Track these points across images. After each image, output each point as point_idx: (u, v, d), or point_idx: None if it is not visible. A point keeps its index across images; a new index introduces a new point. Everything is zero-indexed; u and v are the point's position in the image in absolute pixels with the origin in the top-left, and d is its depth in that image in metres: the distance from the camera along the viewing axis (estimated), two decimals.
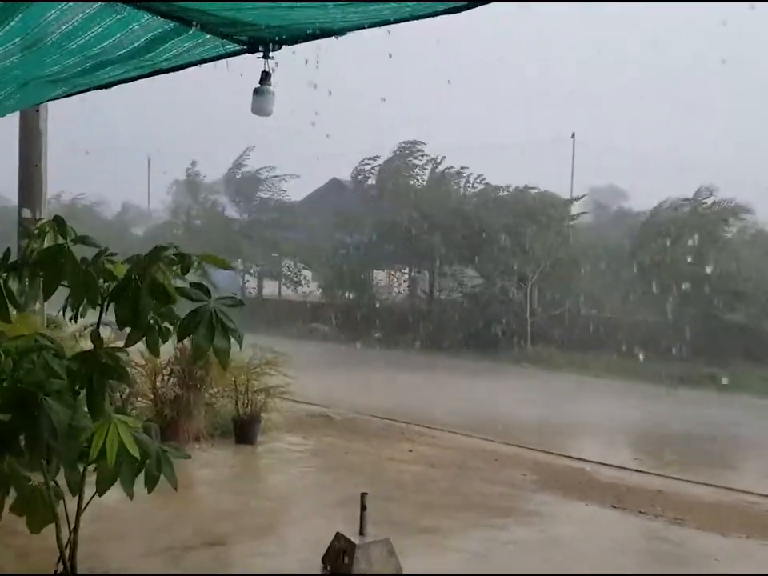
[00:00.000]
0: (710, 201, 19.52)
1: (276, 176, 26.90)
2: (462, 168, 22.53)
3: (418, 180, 22.92)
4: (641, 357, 15.60)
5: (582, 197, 22.89)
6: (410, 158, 23.01)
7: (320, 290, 24.99)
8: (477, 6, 2.91)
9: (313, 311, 23.14)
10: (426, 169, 23.01)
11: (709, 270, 17.33)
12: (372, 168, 23.53)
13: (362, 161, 23.54)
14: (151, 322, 2.77)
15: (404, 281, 24.16)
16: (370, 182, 23.83)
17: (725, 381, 13.84)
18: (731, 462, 8.98)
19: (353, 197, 24.05)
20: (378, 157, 23.37)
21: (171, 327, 2.73)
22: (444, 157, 22.65)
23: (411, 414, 9.50)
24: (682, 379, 14.25)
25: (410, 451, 7.64)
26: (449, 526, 5.32)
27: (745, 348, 15.76)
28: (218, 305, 2.71)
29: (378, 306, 21.76)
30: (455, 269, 21.98)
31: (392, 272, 24.55)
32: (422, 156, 22.85)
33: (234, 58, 3.79)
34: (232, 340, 2.76)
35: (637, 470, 7.47)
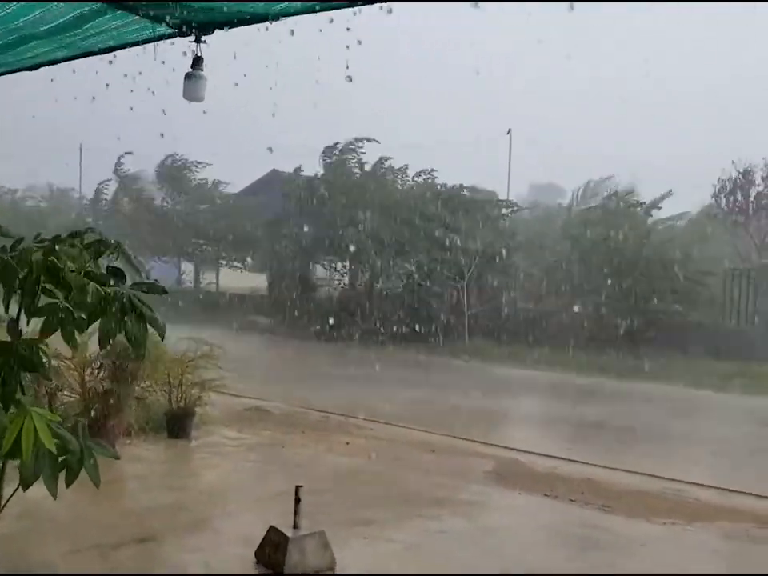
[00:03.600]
0: (635, 197, 20.33)
1: (198, 164, 26.37)
2: (398, 163, 22.57)
3: (359, 175, 22.85)
4: (572, 348, 15.98)
5: (520, 193, 23.30)
6: (354, 154, 22.91)
7: (259, 282, 24.72)
8: None
9: (252, 303, 22.88)
10: (368, 164, 22.97)
11: (636, 263, 17.85)
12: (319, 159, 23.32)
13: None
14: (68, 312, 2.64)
15: (344, 274, 24.09)
16: (309, 174, 23.65)
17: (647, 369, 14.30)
18: (653, 450, 9.14)
19: (292, 188, 23.81)
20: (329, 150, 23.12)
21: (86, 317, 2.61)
22: (390, 157, 22.62)
23: (349, 406, 9.46)
24: (611, 369, 14.61)
25: (348, 444, 7.62)
26: (384, 517, 5.33)
27: (671, 338, 16.29)
28: (133, 291, 2.61)
29: (317, 298, 21.66)
30: (395, 263, 22.05)
31: (332, 265, 24.45)
32: (365, 152, 22.80)
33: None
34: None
35: (568, 459, 7.60)
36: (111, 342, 2.64)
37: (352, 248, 21.37)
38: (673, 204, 21.56)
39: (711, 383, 13.57)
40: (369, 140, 22.47)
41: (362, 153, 22.67)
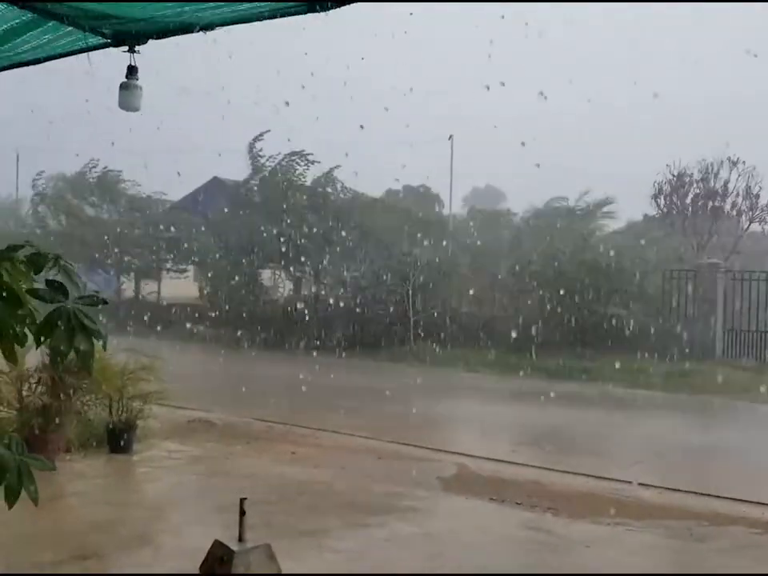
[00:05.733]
0: (582, 202, 20.84)
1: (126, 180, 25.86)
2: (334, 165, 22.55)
3: (301, 181, 22.77)
4: (516, 351, 16.21)
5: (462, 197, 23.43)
6: (295, 159, 22.83)
7: (203, 292, 24.37)
8: (340, 5, 2.92)
9: (195, 313, 22.55)
10: (309, 169, 22.93)
11: (580, 268, 18.19)
12: (260, 167, 23.14)
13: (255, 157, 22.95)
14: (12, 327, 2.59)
15: (289, 281, 23.96)
16: (254, 181, 23.49)
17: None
18: (596, 451, 9.30)
19: (236, 196, 23.61)
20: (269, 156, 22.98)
21: (28, 331, 2.56)
22: (337, 164, 22.58)
23: (295, 415, 9.40)
24: (556, 372, 14.84)
25: (293, 453, 7.58)
26: (330, 526, 5.32)
27: (614, 341, 16.62)
28: (77, 305, 2.57)
29: (262, 307, 21.48)
30: (340, 269, 22.04)
31: (277, 273, 24.29)
32: (305, 159, 22.71)
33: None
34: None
35: (514, 462, 7.69)
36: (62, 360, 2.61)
37: (298, 256, 21.33)
38: (619, 211, 22.28)
39: (652, 383, 13.91)
40: (307, 154, 22.42)
41: (304, 163, 22.60)
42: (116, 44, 3.31)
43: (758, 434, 10.52)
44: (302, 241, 20.77)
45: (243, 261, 22.09)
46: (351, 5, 2.84)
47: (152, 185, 26.37)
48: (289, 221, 21.24)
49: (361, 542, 5.06)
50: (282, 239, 21.25)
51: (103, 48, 3.36)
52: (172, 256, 25.41)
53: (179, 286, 25.63)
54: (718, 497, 6.51)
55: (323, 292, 22.68)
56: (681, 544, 5.44)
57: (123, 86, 3.41)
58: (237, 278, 22.18)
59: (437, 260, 20.10)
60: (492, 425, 10.52)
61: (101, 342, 2.74)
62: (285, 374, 14.06)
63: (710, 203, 22.27)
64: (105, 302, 2.78)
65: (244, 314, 20.44)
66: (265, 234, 21.66)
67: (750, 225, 22.82)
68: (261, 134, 22.61)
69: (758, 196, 22.12)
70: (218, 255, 22.85)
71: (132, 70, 3.36)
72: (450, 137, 30.01)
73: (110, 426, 7.19)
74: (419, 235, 20.07)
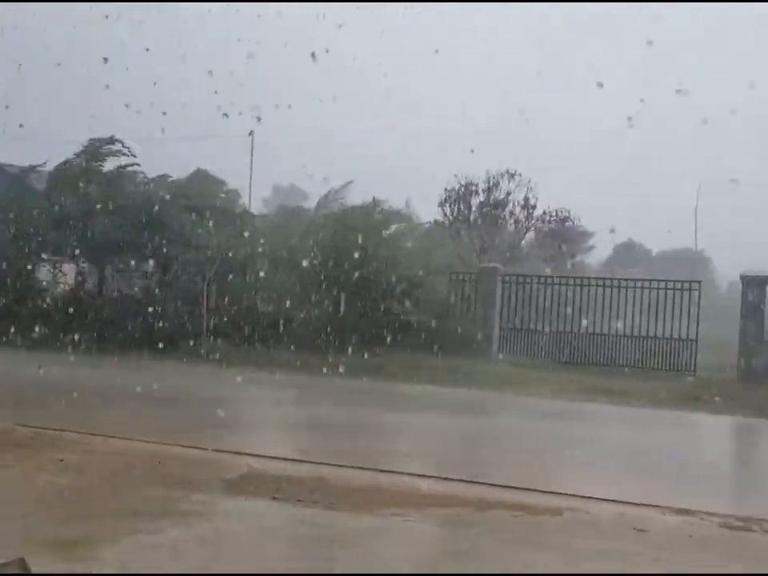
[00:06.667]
0: (375, 204, 21.41)
1: None
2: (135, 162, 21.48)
3: (92, 169, 21.39)
4: (307, 350, 16.32)
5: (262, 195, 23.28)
6: (86, 148, 21.40)
7: None
8: None
9: None
10: (102, 158, 21.58)
11: (373, 268, 18.71)
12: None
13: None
14: None
15: (71, 276, 22.34)
16: (42, 169, 21.75)
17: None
18: (379, 444, 9.59)
19: (17, 183, 21.72)
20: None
21: None
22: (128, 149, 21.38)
23: (66, 420, 8.73)
24: (347, 369, 15.11)
25: (62, 461, 7.01)
26: (96, 536, 4.97)
27: (401, 339, 17.27)
28: None
29: (38, 303, 19.84)
30: (129, 263, 20.97)
31: (57, 266, 22.55)
32: (99, 146, 21.36)
33: None
34: None
35: (299, 460, 7.69)
36: None
37: (84, 249, 20.03)
38: (412, 214, 23.33)
39: (429, 378, 14.64)
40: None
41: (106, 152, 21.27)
42: None
43: (514, 423, 11.44)
44: (91, 233, 19.50)
45: (16, 253, 20.27)
46: None
47: None
48: (77, 212, 19.88)
49: (129, 550, 4.78)
50: (67, 231, 19.84)
51: None
52: None
53: None
54: (486, 484, 6.94)
55: (111, 287, 21.45)
56: (450, 530, 5.72)
57: None
58: (9, 271, 20.31)
59: (234, 256, 19.73)
60: (282, 424, 10.49)
61: None
62: (57, 375, 13.04)
63: (492, 212, 23.99)
64: None
65: (16, 311, 18.78)
66: (47, 225, 20.10)
67: (527, 232, 24.89)
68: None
69: (534, 206, 24.21)
70: None
71: None
72: (251, 132, 29.73)
73: None
74: (217, 230, 19.61)
